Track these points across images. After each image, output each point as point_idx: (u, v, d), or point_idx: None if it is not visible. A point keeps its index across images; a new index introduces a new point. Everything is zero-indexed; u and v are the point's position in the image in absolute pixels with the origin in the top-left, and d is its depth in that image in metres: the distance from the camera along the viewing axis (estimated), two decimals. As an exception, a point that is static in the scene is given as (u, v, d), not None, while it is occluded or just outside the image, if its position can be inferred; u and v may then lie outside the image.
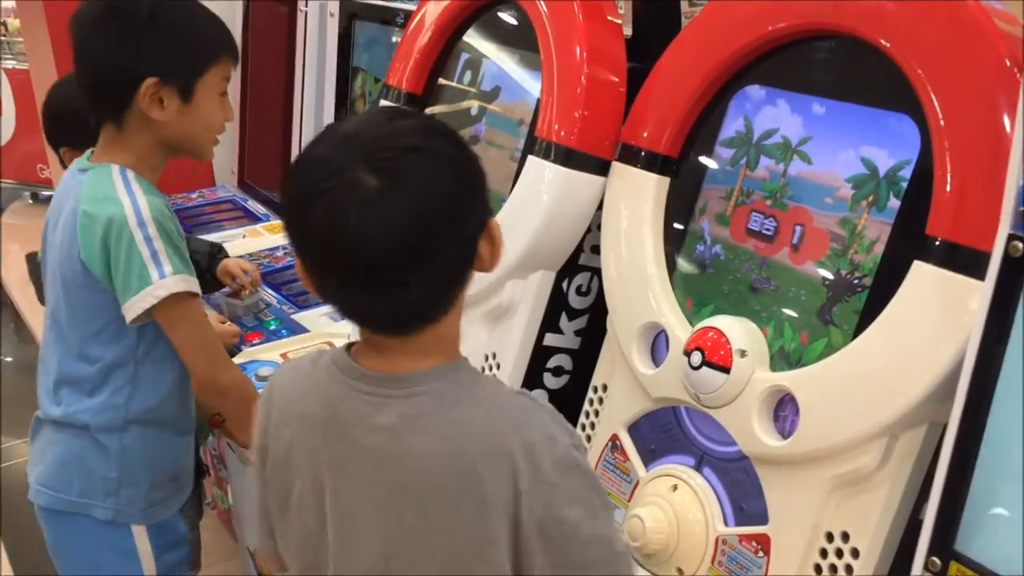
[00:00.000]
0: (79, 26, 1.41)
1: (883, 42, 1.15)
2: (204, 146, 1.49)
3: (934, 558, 1.00)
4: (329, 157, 0.92)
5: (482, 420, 0.95)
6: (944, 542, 0.99)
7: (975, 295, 0.98)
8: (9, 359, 4.47)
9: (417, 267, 0.91)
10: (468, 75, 1.80)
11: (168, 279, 1.38)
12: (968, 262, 1.02)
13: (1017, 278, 0.93)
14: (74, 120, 1.67)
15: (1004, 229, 0.94)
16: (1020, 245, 0.92)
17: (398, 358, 0.97)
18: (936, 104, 1.08)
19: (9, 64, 5.66)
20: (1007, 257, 0.94)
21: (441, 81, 1.86)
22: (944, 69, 1.09)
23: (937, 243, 1.06)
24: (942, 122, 1.08)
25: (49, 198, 1.77)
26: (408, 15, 1.96)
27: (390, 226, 0.88)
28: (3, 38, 5.78)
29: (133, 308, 1.39)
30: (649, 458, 1.38)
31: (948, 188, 1.06)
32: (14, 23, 5.68)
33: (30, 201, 5.89)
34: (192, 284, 1.42)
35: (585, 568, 0.95)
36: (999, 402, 0.95)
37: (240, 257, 2.40)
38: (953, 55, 1.08)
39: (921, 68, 1.10)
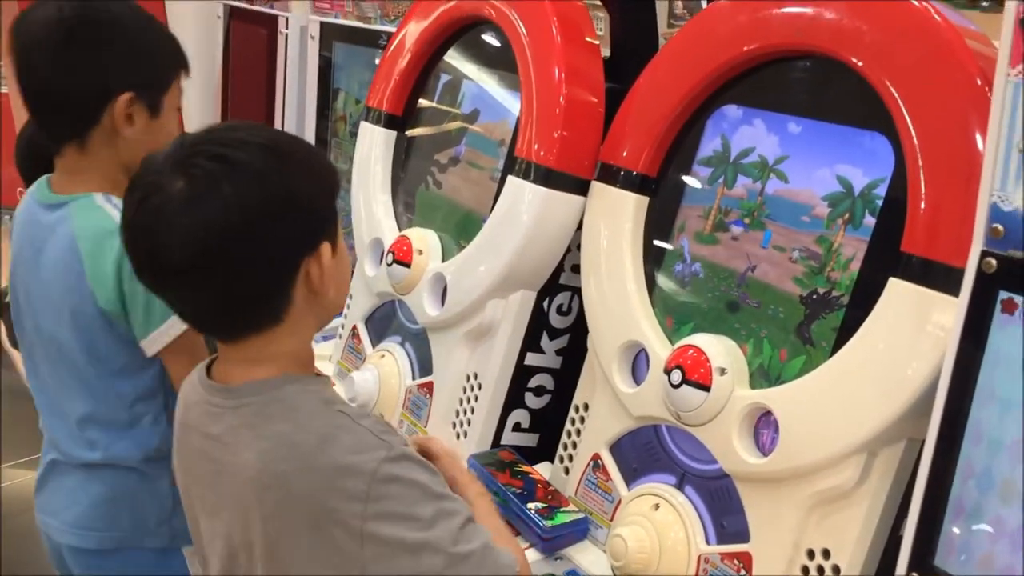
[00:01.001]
0: (33, 45, 1.34)
1: (856, 61, 1.16)
2: None
3: (913, 574, 1.00)
4: (154, 157, 0.96)
5: (292, 437, 0.96)
6: (923, 558, 0.99)
7: (950, 311, 0.99)
8: None
9: (206, 274, 0.94)
10: (448, 96, 1.81)
11: None
12: (943, 278, 1.03)
13: (990, 294, 0.94)
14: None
15: (977, 246, 0.95)
16: (993, 262, 0.93)
17: (232, 367, 1.02)
18: (909, 123, 1.10)
19: (-5, 89, 5.66)
20: (980, 273, 0.95)
21: (421, 102, 1.86)
22: (916, 88, 1.10)
23: (912, 260, 1.06)
24: (915, 140, 1.09)
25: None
26: (389, 36, 1.97)
27: (178, 230, 0.92)
28: (-16, 62, 5.77)
29: (158, 340, 1.36)
30: (631, 477, 1.37)
31: (922, 205, 1.07)
32: None
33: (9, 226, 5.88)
34: None
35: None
36: (974, 417, 0.95)
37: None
38: (925, 74, 1.10)
39: (894, 87, 1.12)
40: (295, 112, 2.58)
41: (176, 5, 2.92)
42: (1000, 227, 0.92)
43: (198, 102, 2.40)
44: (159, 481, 1.46)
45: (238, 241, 0.92)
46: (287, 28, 2.59)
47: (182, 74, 1.45)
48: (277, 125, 2.67)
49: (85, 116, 1.36)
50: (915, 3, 1.13)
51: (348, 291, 1.11)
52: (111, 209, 1.37)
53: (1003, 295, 0.93)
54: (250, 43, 2.80)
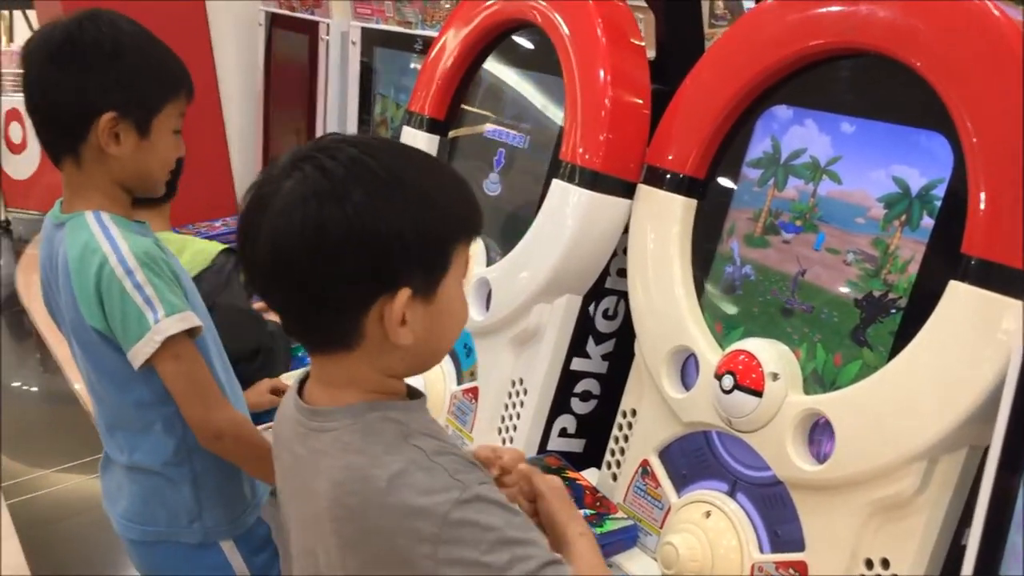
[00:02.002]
0: (34, 57, 1.36)
1: (913, 60, 1.14)
2: (157, 183, 1.46)
3: (979, 585, 0.98)
4: (282, 155, 0.96)
5: (365, 471, 0.93)
6: (988, 568, 0.97)
7: (1013, 314, 0.96)
8: (35, 389, 4.48)
9: (280, 279, 0.94)
10: (491, 100, 1.80)
11: (163, 322, 1.35)
12: (1005, 280, 1.00)
13: (1058, 297, 0.92)
14: None
15: (1043, 247, 0.93)
16: (1059, 263, 0.91)
17: (317, 387, 1.00)
18: (969, 122, 1.07)
19: (34, 97, 5.76)
20: (1047, 276, 0.92)
21: (464, 107, 1.86)
22: (975, 85, 1.07)
23: (973, 262, 1.04)
24: (975, 140, 1.06)
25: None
26: (428, 42, 1.97)
27: (265, 228, 0.92)
28: (28, 72, 5.88)
29: (138, 356, 1.36)
30: (681, 484, 1.36)
31: (982, 206, 1.04)
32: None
33: (54, 231, 5.98)
34: (191, 319, 1.38)
35: None
36: (1042, 424, 0.93)
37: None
38: (984, 71, 1.07)
39: (952, 85, 1.09)
40: (336, 117, 2.60)
41: (217, 12, 2.95)
42: (1068, 228, 0.90)
43: (240, 107, 2.44)
44: (181, 485, 1.48)
45: (305, 258, 0.91)
46: (328, 34, 2.60)
47: (183, 97, 1.45)
48: (318, 130, 2.68)
49: (72, 132, 1.37)
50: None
51: (447, 348, 1.03)
52: (96, 227, 1.38)
53: (1071, 298, 0.91)
54: (292, 49, 2.82)
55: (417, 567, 0.90)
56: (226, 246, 1.97)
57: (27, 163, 5.84)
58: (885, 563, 1.11)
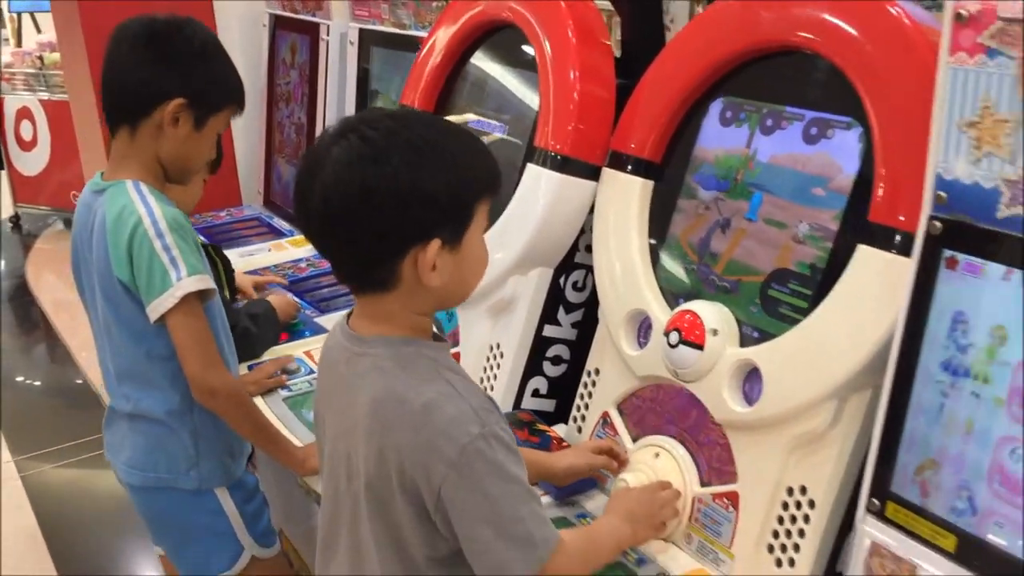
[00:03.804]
0: (129, 38, 1.57)
1: (834, 57, 1.31)
2: (191, 170, 1.67)
3: (874, 499, 1.14)
4: (334, 124, 1.13)
5: (402, 394, 1.09)
6: (882, 485, 1.14)
7: (906, 270, 1.13)
8: (38, 383, 4.60)
9: (329, 230, 1.11)
10: (475, 93, 1.98)
11: (185, 280, 1.53)
12: (901, 243, 1.17)
13: (936, 253, 1.08)
14: None
15: (925, 211, 1.09)
16: (938, 224, 1.08)
17: (361, 320, 1.17)
18: (875, 111, 1.24)
19: (44, 96, 5.94)
20: (928, 236, 1.09)
21: (450, 100, 2.03)
22: (882, 78, 1.24)
23: (876, 228, 1.21)
24: (880, 126, 1.23)
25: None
26: (421, 41, 2.13)
27: (317, 187, 1.08)
28: (40, 71, 6.05)
29: (158, 308, 1.54)
30: (636, 432, 1.53)
31: (884, 180, 1.21)
32: (51, 57, 5.95)
33: (62, 227, 6.14)
34: (208, 282, 1.57)
35: (473, 541, 1.08)
36: (924, 361, 1.09)
37: (266, 268, 2.60)
38: (891, 66, 1.24)
39: (864, 78, 1.26)
40: (335, 112, 2.75)
41: (224, 14, 3.11)
42: (943, 194, 1.07)
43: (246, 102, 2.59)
44: (181, 434, 1.66)
45: (351, 213, 1.07)
46: (328, 35, 2.76)
47: (235, 108, 1.67)
48: (319, 125, 2.84)
49: (139, 106, 1.58)
50: (887, 7, 1.26)
51: (470, 289, 1.18)
52: (135, 194, 1.58)
53: (947, 253, 1.08)
54: (294, 49, 2.98)
55: (432, 483, 1.07)
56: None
57: (37, 160, 6.01)
58: (803, 490, 1.28)
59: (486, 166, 1.15)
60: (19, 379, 4.52)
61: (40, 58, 6.11)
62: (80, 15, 3.07)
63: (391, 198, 1.06)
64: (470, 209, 1.11)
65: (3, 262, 6.03)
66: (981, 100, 1.01)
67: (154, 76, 1.56)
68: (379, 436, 1.10)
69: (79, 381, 4.21)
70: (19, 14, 7.41)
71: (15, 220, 6.40)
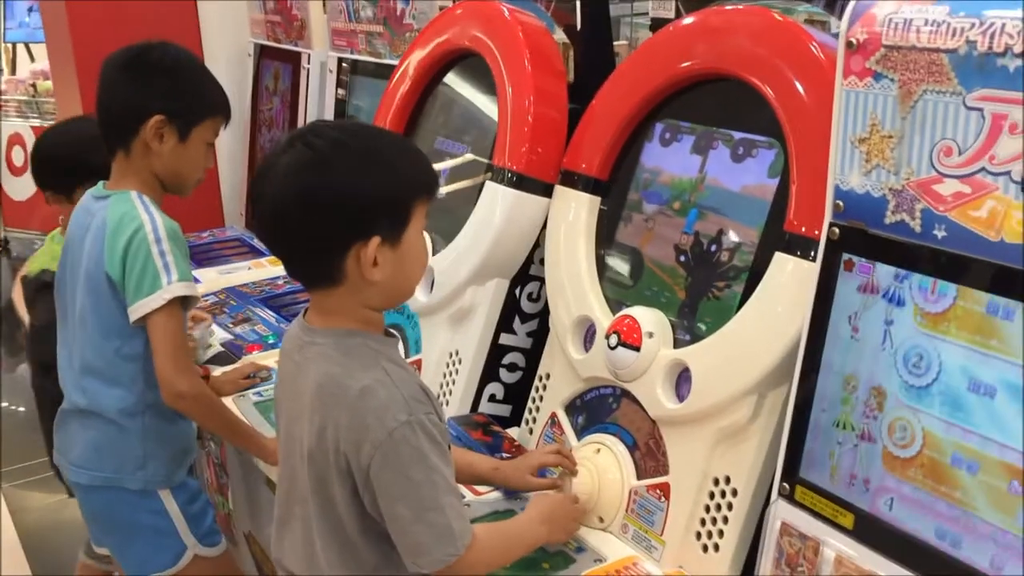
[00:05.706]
0: (112, 66, 1.72)
1: (758, 84, 1.43)
2: (187, 183, 1.80)
3: (784, 483, 1.25)
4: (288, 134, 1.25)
5: (341, 380, 1.20)
6: (792, 471, 1.24)
7: (812, 273, 1.24)
8: (22, 409, 4.57)
9: (277, 229, 1.22)
10: (440, 116, 2.10)
11: (175, 284, 1.66)
12: (810, 249, 1.29)
13: (836, 256, 1.20)
14: (60, 164, 2.09)
15: (827, 219, 1.21)
16: (837, 230, 1.19)
17: (315, 314, 1.28)
18: (791, 132, 1.36)
19: (36, 123, 6.07)
20: (829, 241, 1.21)
21: (418, 122, 2.15)
22: (797, 102, 1.36)
23: (789, 237, 1.32)
24: (794, 146, 1.35)
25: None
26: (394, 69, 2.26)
27: (268, 190, 1.19)
28: (33, 98, 6.19)
29: (141, 309, 1.65)
30: (581, 431, 1.63)
31: (796, 193, 1.33)
32: (44, 84, 6.09)
33: (52, 250, 6.22)
34: (194, 288, 1.70)
35: (394, 520, 1.18)
36: (827, 356, 1.21)
37: (244, 285, 2.71)
38: (805, 91, 1.36)
39: (783, 102, 1.39)
40: (314, 137, 2.86)
41: (211, 43, 3.25)
42: (840, 203, 1.19)
43: (229, 128, 2.72)
44: (131, 433, 1.76)
45: (296, 214, 1.19)
46: (309, 63, 2.89)
47: (220, 119, 1.78)
48: (298, 149, 2.95)
49: (127, 127, 1.72)
50: (807, 41, 1.38)
51: (414, 284, 1.28)
52: (138, 203, 1.71)
53: (845, 256, 1.19)
54: (276, 77, 3.11)
55: (361, 462, 1.18)
56: None
57: (27, 185, 6.10)
58: (728, 479, 1.38)
59: (424, 169, 1.26)
60: (4, 404, 4.56)
61: (33, 85, 6.25)
62: (73, 45, 3.19)
63: (333, 200, 1.17)
64: (408, 209, 1.22)
65: (-10, 286, 6.10)
66: (870, 118, 1.13)
67: (133, 97, 1.70)
68: (320, 416, 1.20)
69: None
70: (14, 43, 7.56)
71: (4, 244, 6.48)
